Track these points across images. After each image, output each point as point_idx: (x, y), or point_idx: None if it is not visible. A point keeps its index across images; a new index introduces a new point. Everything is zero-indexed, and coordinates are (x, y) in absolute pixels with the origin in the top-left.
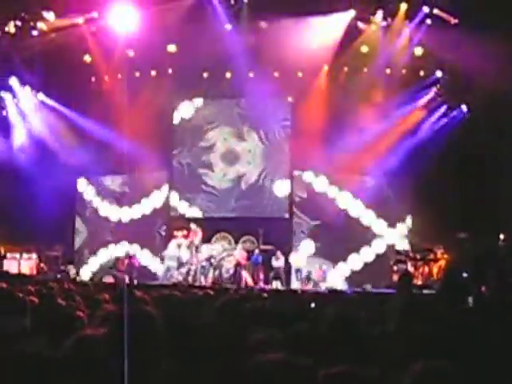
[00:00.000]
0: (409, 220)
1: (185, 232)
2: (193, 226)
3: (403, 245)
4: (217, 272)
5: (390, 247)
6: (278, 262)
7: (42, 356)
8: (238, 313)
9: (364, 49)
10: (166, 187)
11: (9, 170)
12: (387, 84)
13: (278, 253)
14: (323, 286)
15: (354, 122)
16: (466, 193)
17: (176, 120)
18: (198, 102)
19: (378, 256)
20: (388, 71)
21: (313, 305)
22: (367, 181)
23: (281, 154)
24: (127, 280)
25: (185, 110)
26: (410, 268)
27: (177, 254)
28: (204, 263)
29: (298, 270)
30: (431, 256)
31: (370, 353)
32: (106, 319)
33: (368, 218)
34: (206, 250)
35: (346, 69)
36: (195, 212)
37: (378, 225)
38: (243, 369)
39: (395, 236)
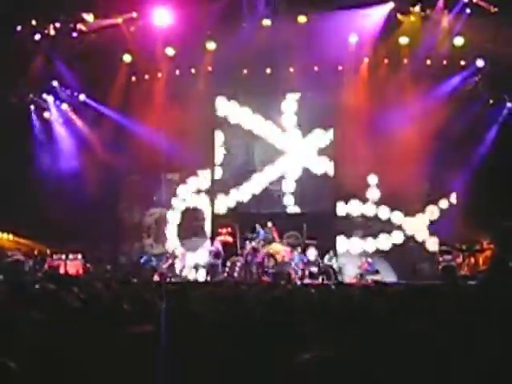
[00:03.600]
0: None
1: (229, 229)
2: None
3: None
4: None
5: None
6: (323, 257)
7: (91, 355)
8: (287, 308)
9: (404, 40)
10: (208, 185)
11: (53, 172)
12: (428, 75)
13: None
14: (369, 279)
15: (395, 115)
16: None
17: (217, 117)
18: (239, 98)
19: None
20: (428, 62)
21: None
22: (411, 171)
23: (323, 148)
24: (171, 278)
25: (225, 108)
26: (456, 259)
27: (221, 251)
28: (249, 258)
29: (343, 264)
30: (477, 246)
31: (420, 345)
32: (153, 317)
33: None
34: (249, 245)
35: (386, 61)
36: (239, 208)
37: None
38: (291, 365)
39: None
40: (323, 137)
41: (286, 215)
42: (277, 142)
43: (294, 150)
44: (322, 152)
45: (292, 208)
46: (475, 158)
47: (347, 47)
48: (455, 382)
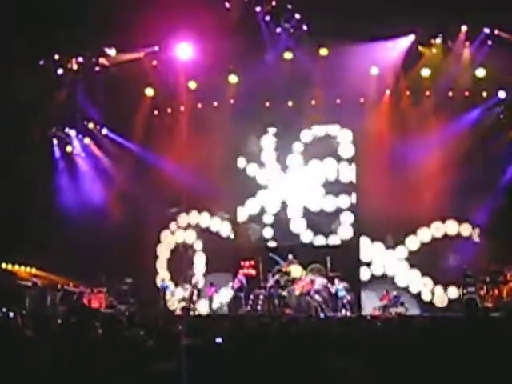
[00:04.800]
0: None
1: (252, 262)
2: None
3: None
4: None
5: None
6: (345, 289)
7: None
8: (310, 342)
9: (425, 72)
10: (232, 218)
11: (76, 206)
12: (450, 106)
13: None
14: (393, 311)
15: (417, 147)
16: None
17: (241, 150)
18: (262, 132)
19: None
20: (450, 94)
21: None
22: (431, 204)
23: (344, 182)
24: (194, 311)
25: (250, 141)
26: (480, 290)
27: (245, 284)
28: (271, 291)
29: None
30: (501, 278)
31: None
32: (175, 352)
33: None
34: (272, 278)
35: (408, 93)
36: (263, 242)
37: None
38: None
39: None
40: (344, 169)
41: (306, 248)
42: (290, 172)
43: (311, 182)
44: (343, 184)
45: (314, 240)
46: (498, 189)
47: (369, 79)
48: None
